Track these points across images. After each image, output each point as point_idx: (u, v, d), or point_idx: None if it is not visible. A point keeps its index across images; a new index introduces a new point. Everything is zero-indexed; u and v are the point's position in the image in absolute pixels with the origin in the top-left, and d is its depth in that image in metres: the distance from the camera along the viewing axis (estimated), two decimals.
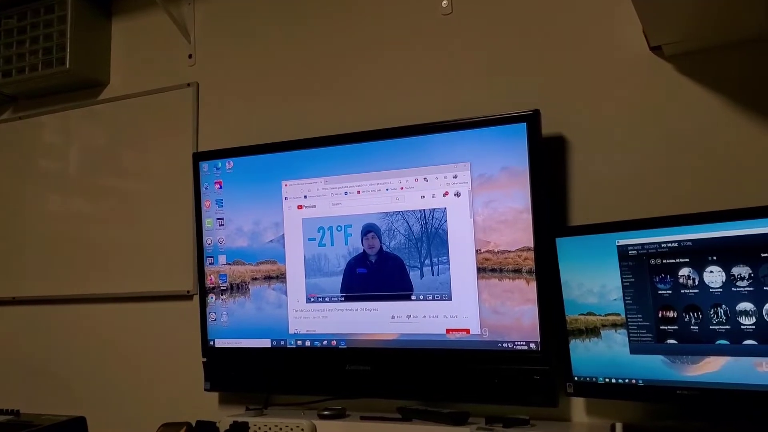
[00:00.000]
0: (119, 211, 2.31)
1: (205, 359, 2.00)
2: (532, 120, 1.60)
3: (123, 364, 2.25)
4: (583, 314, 1.52)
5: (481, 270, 1.64)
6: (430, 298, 1.71)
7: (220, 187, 2.01)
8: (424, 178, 1.72)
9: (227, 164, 2.01)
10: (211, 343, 2.00)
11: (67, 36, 2.26)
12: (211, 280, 2.01)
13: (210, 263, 2.01)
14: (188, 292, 2.16)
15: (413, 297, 1.73)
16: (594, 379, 1.51)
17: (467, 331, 1.67)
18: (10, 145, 2.54)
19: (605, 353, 1.49)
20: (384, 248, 1.76)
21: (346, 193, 1.83)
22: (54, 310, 2.40)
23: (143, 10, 2.36)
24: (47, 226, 2.43)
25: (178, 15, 2.26)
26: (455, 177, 1.68)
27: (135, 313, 2.25)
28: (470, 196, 1.66)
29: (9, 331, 2.48)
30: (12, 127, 2.55)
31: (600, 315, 1.50)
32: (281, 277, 1.91)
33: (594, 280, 1.51)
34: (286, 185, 1.91)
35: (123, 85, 2.38)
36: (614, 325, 1.48)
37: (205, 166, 2.04)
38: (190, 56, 2.26)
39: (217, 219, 2.01)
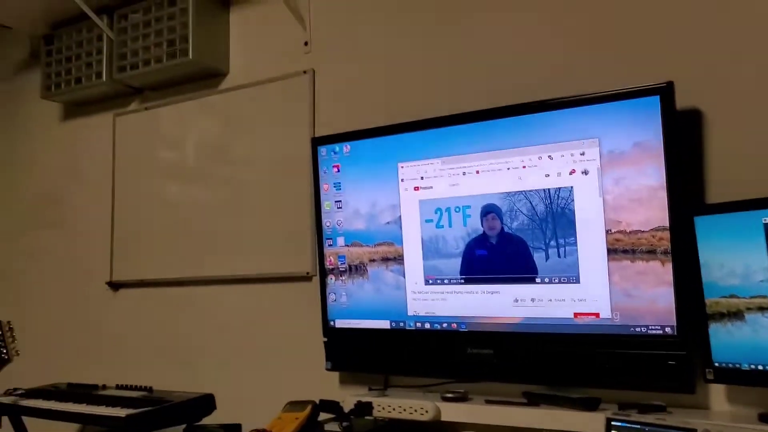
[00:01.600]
0: (237, 197, 2.38)
1: (325, 339, 2.03)
2: (666, 93, 1.51)
3: (247, 342, 2.32)
4: (725, 297, 1.43)
5: (611, 251, 1.57)
6: (556, 280, 1.65)
7: (338, 171, 2.03)
8: (549, 156, 1.67)
9: (344, 148, 2.02)
10: (331, 323, 2.02)
11: (189, 27, 2.34)
12: (330, 261, 2.04)
13: (329, 245, 2.04)
14: (308, 273, 2.20)
15: (538, 280, 1.68)
16: (737, 366, 1.42)
17: (597, 315, 1.60)
18: (136, 134, 2.67)
19: (750, 338, 1.40)
20: (505, 229, 1.73)
21: (464, 173, 1.80)
22: (180, 291, 2.51)
23: (259, 0, 2.41)
24: (169, 213, 2.54)
25: (294, 3, 2.29)
26: (582, 154, 1.62)
27: (257, 293, 2.32)
28: (599, 174, 1.59)
29: (139, 311, 2.61)
30: (138, 118, 2.67)
31: (744, 297, 1.40)
32: (399, 258, 1.90)
33: (737, 261, 1.41)
34: (402, 167, 1.91)
35: (242, 74, 2.45)
36: (761, 308, 1.38)
37: (323, 150, 2.06)
38: (306, 43, 2.29)
39: (335, 202, 2.03)
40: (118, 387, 2.21)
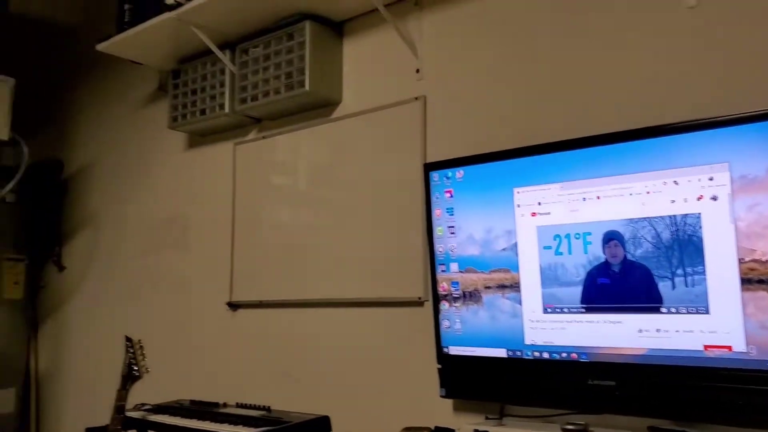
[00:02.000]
0: (348, 221, 2.44)
1: (439, 366, 2.03)
2: None
3: (360, 365, 2.36)
4: None
5: (745, 281, 1.49)
6: (684, 311, 1.58)
7: (451, 196, 2.04)
8: (674, 182, 1.61)
9: (457, 173, 2.03)
10: (445, 350, 2.02)
11: (306, 60, 2.43)
12: (443, 287, 2.04)
13: (442, 270, 2.04)
14: (419, 298, 2.21)
15: (663, 309, 1.61)
16: None
17: (729, 348, 1.52)
18: (254, 162, 2.79)
19: None
20: (628, 257, 1.67)
21: (584, 199, 1.76)
22: (295, 313, 2.58)
23: (372, 29, 2.47)
24: (284, 236, 2.63)
25: (406, 31, 2.34)
26: (711, 179, 1.55)
27: (369, 317, 2.35)
28: (730, 200, 1.52)
29: (258, 332, 2.71)
30: (256, 146, 2.79)
31: None
32: (515, 286, 1.88)
33: None
34: (518, 192, 1.89)
35: (354, 102, 2.51)
36: None
37: (435, 175, 2.08)
38: (417, 71, 2.33)
39: (448, 227, 2.04)
40: (238, 405, 2.29)
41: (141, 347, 2.35)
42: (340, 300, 2.43)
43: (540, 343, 1.83)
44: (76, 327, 3.54)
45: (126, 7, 2.78)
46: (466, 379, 1.97)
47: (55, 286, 3.68)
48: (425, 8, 2.33)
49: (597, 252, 1.73)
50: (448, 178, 2.05)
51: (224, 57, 2.68)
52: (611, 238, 1.71)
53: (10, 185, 2.92)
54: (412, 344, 2.21)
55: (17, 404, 3.45)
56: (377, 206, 2.37)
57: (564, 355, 1.78)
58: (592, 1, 1.94)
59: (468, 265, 1.99)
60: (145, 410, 2.40)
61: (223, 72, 2.72)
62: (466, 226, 2.00)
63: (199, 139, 3.05)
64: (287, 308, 2.61)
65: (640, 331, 1.65)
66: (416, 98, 2.31)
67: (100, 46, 2.86)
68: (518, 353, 1.87)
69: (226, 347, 2.80)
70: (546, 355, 1.82)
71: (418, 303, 2.22)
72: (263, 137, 2.77)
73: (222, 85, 2.72)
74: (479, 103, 2.16)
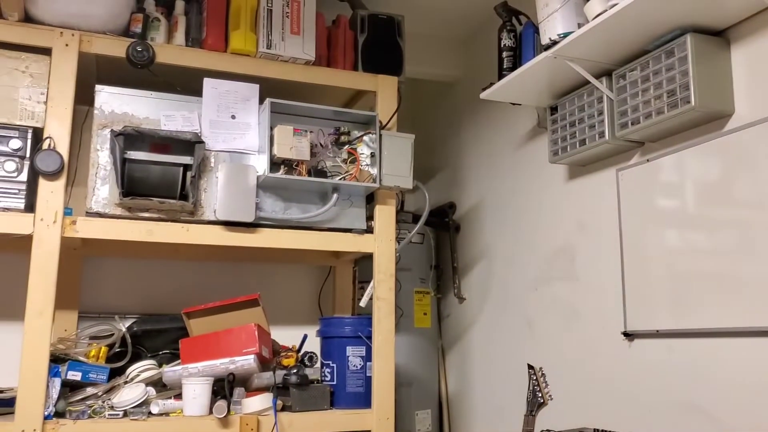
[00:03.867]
0: (740, 242, 2.22)
1: None
2: None
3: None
4: None
5: None
6: None
7: None
8: None
9: None
10: None
11: (690, 75, 2.31)
12: None
13: None
14: None
15: None
16: None
17: None
18: (638, 186, 2.72)
19: None
20: None
21: None
22: (691, 343, 2.42)
23: (763, 31, 2.25)
24: (675, 261, 2.50)
25: None
26: None
27: None
28: None
29: (656, 362, 2.60)
30: (639, 170, 2.72)
31: None
32: None
33: None
34: None
35: (749, 111, 2.30)
36: None
37: None
38: None
39: None
40: None
41: (543, 375, 2.46)
42: (744, 329, 2.21)
43: None
44: (478, 354, 3.83)
45: (504, 55, 2.99)
46: None
47: (457, 316, 4.05)
48: None
49: None
50: None
51: (601, 85, 2.70)
52: None
53: (417, 228, 3.31)
54: None
55: (433, 424, 3.86)
56: None
57: None
58: None
59: None
60: None
61: (600, 100, 2.73)
62: None
63: (580, 169, 3.10)
64: (685, 338, 2.46)
65: None
66: None
67: (483, 95, 3.11)
68: None
69: (623, 377, 2.75)
70: None
71: None
72: (647, 160, 2.70)
73: (600, 113, 2.73)
74: None
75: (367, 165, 3.04)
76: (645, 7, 2.28)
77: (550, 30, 2.66)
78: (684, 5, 2.26)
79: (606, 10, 2.37)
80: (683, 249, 2.50)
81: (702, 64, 2.33)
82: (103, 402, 2.70)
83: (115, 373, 2.87)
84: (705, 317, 2.38)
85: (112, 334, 2.96)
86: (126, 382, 2.80)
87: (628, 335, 2.73)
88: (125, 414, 2.66)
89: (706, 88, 2.33)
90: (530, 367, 2.47)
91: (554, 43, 2.62)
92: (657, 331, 2.59)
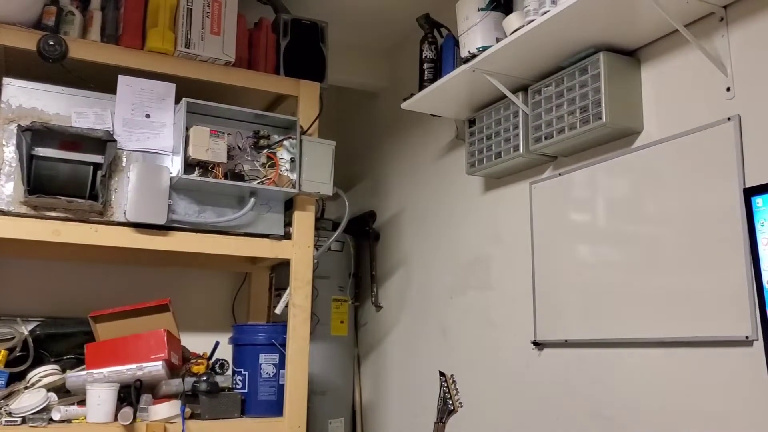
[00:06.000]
0: (651, 255, 2.32)
1: None
2: None
3: (677, 416, 2.20)
4: None
5: None
6: None
7: None
8: None
9: None
10: None
11: (601, 92, 2.40)
12: None
13: None
14: (747, 337, 2.00)
15: None
16: None
17: None
18: (550, 200, 2.80)
19: None
20: None
21: None
22: (601, 353, 2.50)
23: (672, 51, 2.36)
24: (583, 273, 2.58)
25: (712, 49, 2.19)
26: None
27: (682, 358, 2.19)
28: None
29: (563, 372, 2.68)
30: (551, 184, 2.81)
31: None
32: None
33: None
34: None
35: (656, 129, 2.41)
36: None
37: (758, 200, 1.89)
38: (728, 89, 2.16)
39: None
40: None
41: (454, 382, 2.48)
42: (649, 340, 2.30)
43: None
44: (394, 362, 3.84)
45: (425, 66, 3.02)
46: None
47: (374, 325, 4.05)
48: (733, 22, 2.16)
49: None
50: None
51: (517, 100, 2.77)
52: None
53: (336, 235, 3.30)
54: (742, 390, 2.00)
55: None
56: (684, 236, 2.22)
57: None
58: None
59: None
60: None
61: (516, 114, 2.80)
62: None
63: (495, 181, 3.16)
64: (593, 348, 2.55)
65: None
66: (729, 118, 2.13)
67: (404, 105, 3.14)
68: None
69: (533, 385, 2.81)
70: None
71: (746, 343, 2.01)
72: (559, 174, 2.78)
73: (516, 127, 2.80)
74: None
75: (287, 170, 3.01)
76: (560, 25, 2.35)
77: (469, 43, 2.71)
78: (597, 24, 2.34)
79: (523, 26, 2.44)
80: (592, 261, 2.58)
81: (614, 82, 2.42)
82: (0, 408, 2.56)
83: (15, 378, 2.73)
84: (612, 328, 2.46)
85: (13, 338, 2.81)
86: (26, 388, 2.67)
87: (538, 344, 2.79)
88: (24, 421, 2.53)
89: (617, 105, 2.42)
90: (441, 374, 2.48)
91: (473, 56, 2.67)
92: (566, 340, 2.67)
